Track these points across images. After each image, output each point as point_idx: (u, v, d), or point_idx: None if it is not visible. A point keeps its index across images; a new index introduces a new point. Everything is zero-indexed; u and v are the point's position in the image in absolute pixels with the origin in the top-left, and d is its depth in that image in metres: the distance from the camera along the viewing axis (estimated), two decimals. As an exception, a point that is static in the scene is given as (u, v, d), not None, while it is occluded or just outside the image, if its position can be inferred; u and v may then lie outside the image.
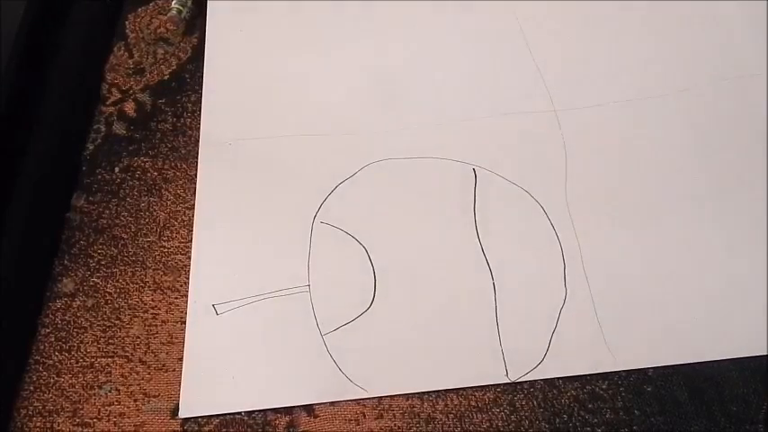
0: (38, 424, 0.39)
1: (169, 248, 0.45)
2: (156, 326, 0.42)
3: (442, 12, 0.53)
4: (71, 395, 0.40)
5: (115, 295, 0.43)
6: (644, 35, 0.51)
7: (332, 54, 0.52)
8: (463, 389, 0.39)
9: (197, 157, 0.48)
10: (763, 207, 0.44)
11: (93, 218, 0.46)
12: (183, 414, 0.39)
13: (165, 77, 0.52)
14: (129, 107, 0.51)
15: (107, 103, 0.51)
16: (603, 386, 0.39)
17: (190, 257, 0.44)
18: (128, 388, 0.40)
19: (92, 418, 0.39)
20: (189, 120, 0.50)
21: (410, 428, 0.38)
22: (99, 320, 0.42)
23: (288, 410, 0.39)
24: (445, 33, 0.52)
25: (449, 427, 0.38)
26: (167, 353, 0.41)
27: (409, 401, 0.39)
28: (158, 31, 0.55)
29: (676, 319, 0.40)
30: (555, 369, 0.39)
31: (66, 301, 0.43)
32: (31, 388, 0.40)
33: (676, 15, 0.52)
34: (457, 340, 0.40)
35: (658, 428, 0.38)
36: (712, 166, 0.46)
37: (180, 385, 0.40)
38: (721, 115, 0.48)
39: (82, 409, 0.40)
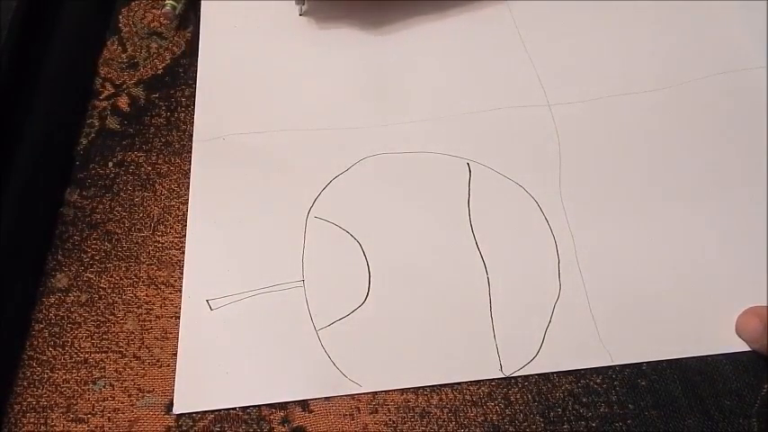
0: (31, 420, 0.39)
1: (163, 243, 0.45)
2: (150, 321, 0.42)
3: (436, 7, 0.53)
4: (65, 391, 0.40)
5: (109, 290, 0.43)
6: (639, 29, 0.51)
7: (326, 48, 0.52)
8: (458, 383, 0.39)
9: (191, 152, 0.48)
10: (759, 202, 0.44)
11: (87, 213, 0.46)
12: (177, 410, 0.39)
13: (159, 72, 0.52)
14: (123, 101, 0.51)
15: (100, 97, 0.51)
16: (598, 380, 0.39)
17: (184, 252, 0.44)
18: (122, 383, 0.40)
19: (86, 414, 0.39)
20: (183, 114, 0.50)
21: (405, 423, 0.39)
22: (93, 316, 0.42)
23: (282, 405, 0.39)
24: (440, 28, 0.52)
25: (443, 421, 0.38)
26: (161, 348, 0.41)
27: (404, 396, 0.39)
28: (152, 25, 0.54)
29: (670, 314, 0.40)
30: (549, 364, 0.39)
31: (59, 297, 0.43)
32: (25, 384, 0.40)
33: (672, 8, 0.52)
34: (451, 335, 0.40)
35: (652, 422, 0.38)
36: (707, 161, 0.46)
37: (174, 381, 0.40)
38: (717, 110, 0.48)
39: (76, 404, 0.40)
